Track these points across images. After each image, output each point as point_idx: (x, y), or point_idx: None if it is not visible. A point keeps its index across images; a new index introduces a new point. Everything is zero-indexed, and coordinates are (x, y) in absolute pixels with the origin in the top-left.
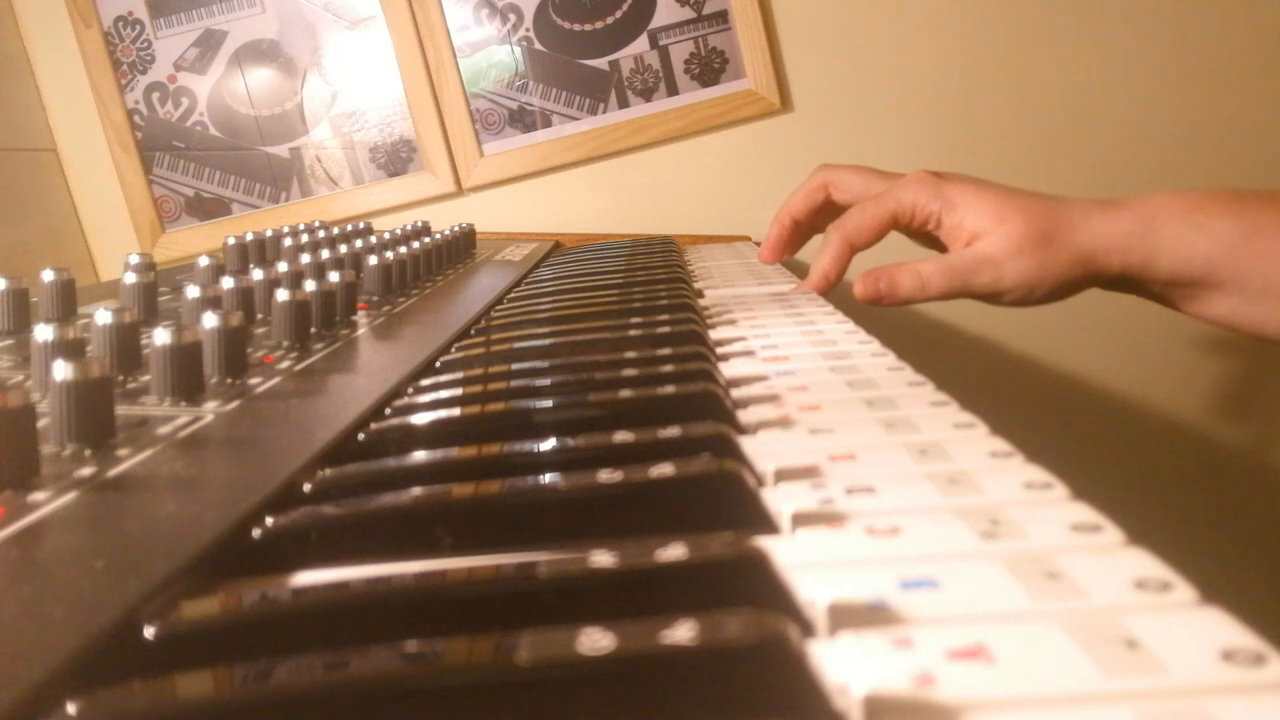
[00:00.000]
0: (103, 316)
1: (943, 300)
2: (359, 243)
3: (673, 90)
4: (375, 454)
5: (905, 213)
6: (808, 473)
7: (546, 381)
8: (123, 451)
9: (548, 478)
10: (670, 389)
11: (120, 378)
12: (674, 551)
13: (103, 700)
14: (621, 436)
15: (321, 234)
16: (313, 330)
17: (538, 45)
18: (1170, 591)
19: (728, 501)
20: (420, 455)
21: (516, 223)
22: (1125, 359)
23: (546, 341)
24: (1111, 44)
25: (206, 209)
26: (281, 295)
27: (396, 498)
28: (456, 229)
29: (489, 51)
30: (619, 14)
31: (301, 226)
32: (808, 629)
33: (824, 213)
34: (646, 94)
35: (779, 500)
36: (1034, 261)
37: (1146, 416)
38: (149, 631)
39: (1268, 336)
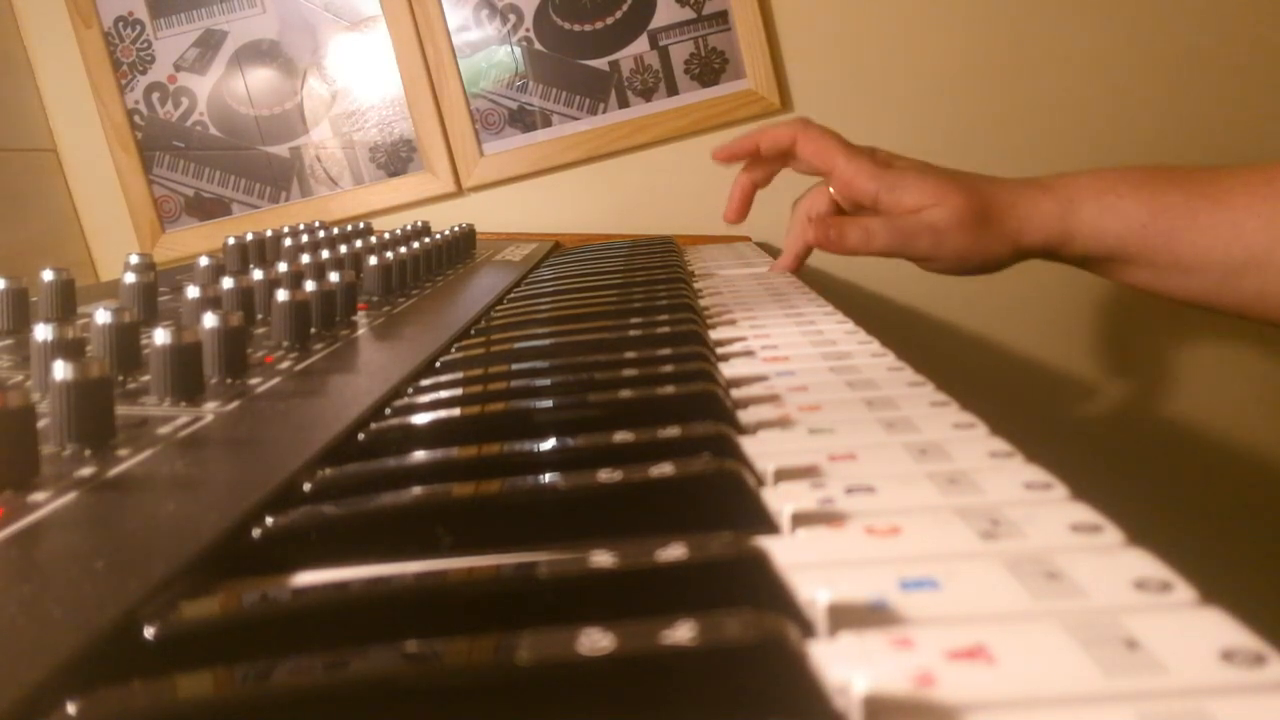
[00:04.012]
0: (102, 316)
1: (883, 256)
2: (359, 243)
3: (673, 90)
4: (375, 454)
5: (843, 178)
6: (807, 472)
7: (546, 381)
8: (123, 451)
9: (548, 477)
10: (670, 389)
11: (120, 378)
12: (674, 551)
13: (103, 700)
14: (621, 436)
15: (321, 234)
16: (313, 330)
17: (538, 45)
18: (1170, 591)
19: (728, 501)
20: (420, 455)
21: (516, 223)
22: (1125, 360)
23: (546, 342)
24: (1113, 44)
25: (206, 209)
26: (281, 295)
27: (396, 497)
28: (456, 229)
29: (489, 51)
30: (619, 14)
31: (301, 226)
32: (808, 629)
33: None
34: (646, 94)
35: (779, 500)
36: (971, 237)
37: (1146, 416)
38: (149, 631)
39: (1177, 301)
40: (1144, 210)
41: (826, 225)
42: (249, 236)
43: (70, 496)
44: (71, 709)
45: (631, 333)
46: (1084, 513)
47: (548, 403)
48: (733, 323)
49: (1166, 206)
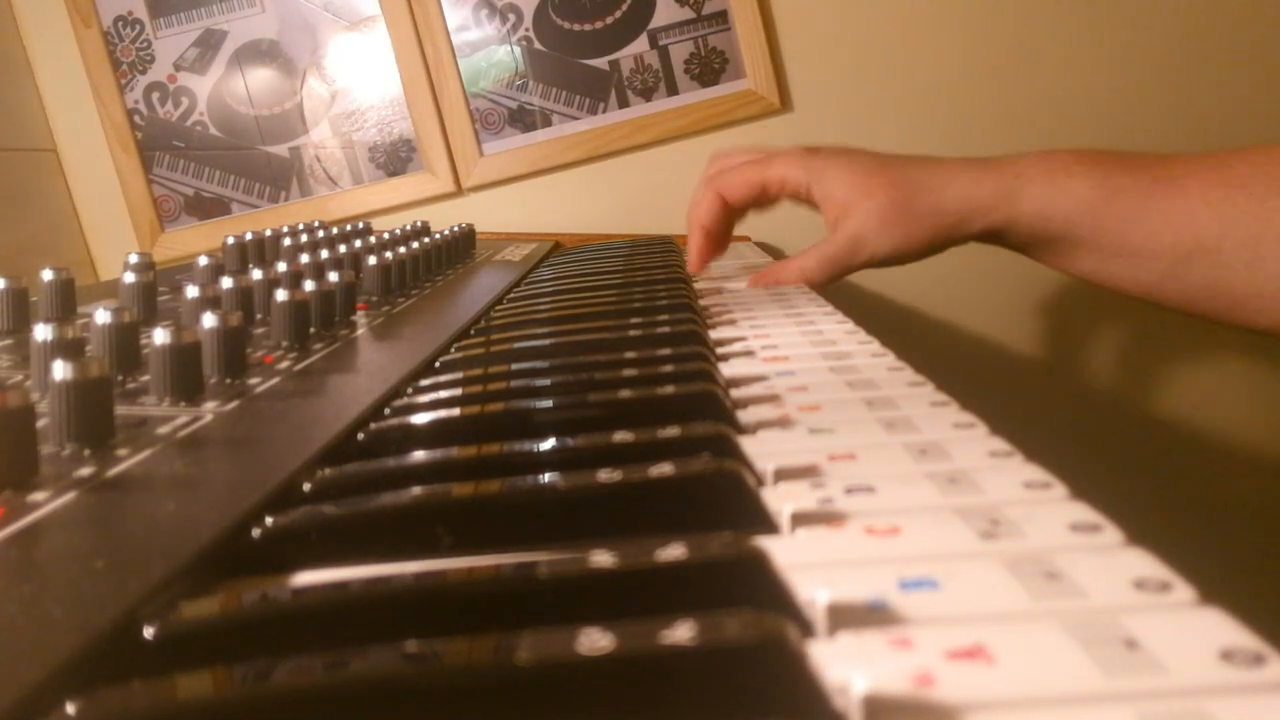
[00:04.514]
0: (102, 316)
1: (832, 283)
2: (358, 243)
3: (673, 90)
4: (375, 454)
5: (775, 182)
6: (807, 472)
7: (546, 381)
8: (122, 451)
9: (547, 477)
10: (670, 389)
11: (120, 378)
12: (674, 551)
13: (103, 700)
14: (621, 436)
15: (321, 234)
16: (312, 330)
17: (537, 45)
18: (1169, 591)
19: (727, 501)
20: (420, 455)
21: (516, 223)
22: (1126, 360)
23: (546, 341)
24: (1112, 44)
25: (206, 208)
26: (281, 295)
27: (396, 497)
28: (456, 229)
29: (489, 51)
30: (619, 14)
31: (301, 226)
32: (807, 629)
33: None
34: (646, 94)
35: (778, 500)
36: (899, 232)
37: (1146, 416)
38: (149, 631)
39: (1125, 292)
40: (1095, 191)
41: (764, 278)
42: (248, 236)
43: (70, 496)
44: (71, 709)
45: (631, 333)
46: (1083, 512)
47: (548, 403)
48: (733, 323)
49: (1118, 188)
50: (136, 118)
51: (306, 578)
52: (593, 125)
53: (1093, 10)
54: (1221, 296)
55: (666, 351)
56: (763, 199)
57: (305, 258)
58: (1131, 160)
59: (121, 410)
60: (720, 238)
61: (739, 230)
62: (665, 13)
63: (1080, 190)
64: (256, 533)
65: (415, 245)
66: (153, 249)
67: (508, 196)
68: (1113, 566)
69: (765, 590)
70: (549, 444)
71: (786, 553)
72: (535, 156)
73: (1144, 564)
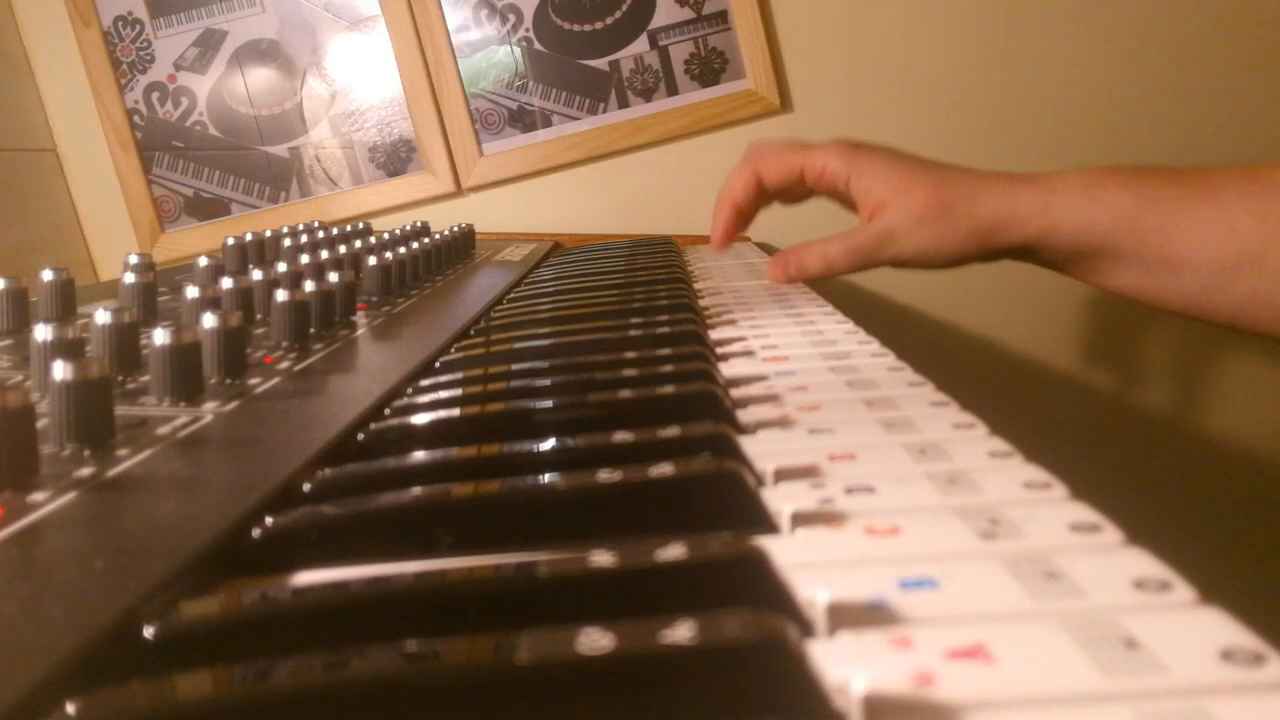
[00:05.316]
0: (102, 316)
1: (851, 274)
2: (358, 243)
3: (673, 90)
4: (375, 454)
5: (814, 169)
6: (807, 472)
7: (546, 382)
8: (122, 452)
9: (547, 477)
10: (670, 389)
11: (120, 378)
12: (674, 551)
13: (103, 700)
14: (621, 436)
15: (321, 234)
16: (312, 330)
17: (537, 45)
18: (1169, 591)
19: (727, 501)
20: (420, 455)
21: (516, 223)
22: (1125, 360)
23: (546, 342)
24: (1113, 44)
25: (206, 209)
26: (281, 295)
27: (396, 497)
28: (456, 229)
29: (489, 51)
30: (619, 14)
31: (301, 227)
32: (807, 629)
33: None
34: (646, 94)
35: (778, 500)
36: (932, 233)
37: (1146, 415)
38: (149, 631)
39: (1170, 308)
40: (1133, 202)
41: (785, 261)
42: (248, 237)
43: (70, 496)
44: (71, 709)
45: (631, 333)
46: (1083, 512)
47: (547, 403)
48: (733, 323)
49: (1156, 200)
50: (136, 118)
51: (306, 578)
52: (593, 125)
53: (1093, 9)
54: (1268, 308)
55: (666, 351)
56: (798, 186)
57: (305, 258)
58: (1168, 172)
59: (121, 410)
60: (748, 218)
61: None
62: (665, 13)
63: (1118, 201)
64: (256, 533)
65: (415, 245)
66: (153, 249)
67: (508, 196)
68: (1112, 566)
69: (765, 590)
70: (549, 444)
71: (786, 553)
72: (535, 156)
73: (1144, 564)
